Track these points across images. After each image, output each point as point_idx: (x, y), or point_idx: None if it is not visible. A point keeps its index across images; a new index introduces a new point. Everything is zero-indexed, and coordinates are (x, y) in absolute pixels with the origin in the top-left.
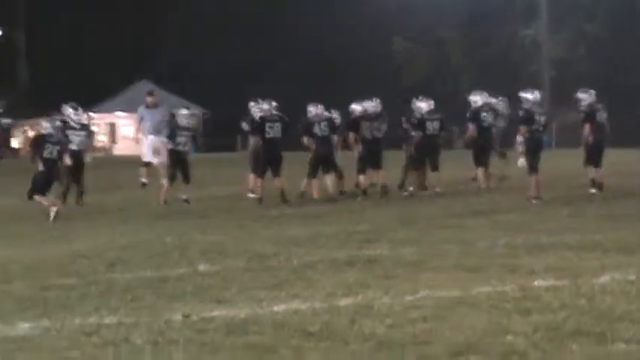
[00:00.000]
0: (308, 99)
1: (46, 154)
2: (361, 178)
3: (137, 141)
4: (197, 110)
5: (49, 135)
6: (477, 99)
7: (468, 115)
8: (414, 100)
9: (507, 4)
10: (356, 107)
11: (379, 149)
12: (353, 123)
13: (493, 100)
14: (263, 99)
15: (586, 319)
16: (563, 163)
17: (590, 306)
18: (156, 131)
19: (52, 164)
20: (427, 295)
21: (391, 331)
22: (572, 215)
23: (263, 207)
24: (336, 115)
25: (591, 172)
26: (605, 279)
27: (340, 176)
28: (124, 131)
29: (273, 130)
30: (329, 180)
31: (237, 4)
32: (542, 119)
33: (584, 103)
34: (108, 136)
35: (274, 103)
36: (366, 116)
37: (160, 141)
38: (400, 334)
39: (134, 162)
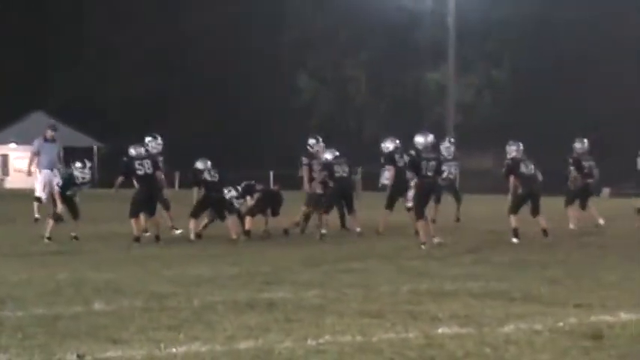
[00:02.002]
0: (210, 135)
1: None
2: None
3: (29, 174)
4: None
5: None
6: (388, 145)
7: (382, 159)
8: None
9: (415, 47)
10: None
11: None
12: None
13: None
14: (155, 137)
15: None
16: (467, 208)
17: (495, 355)
18: (51, 165)
19: None
20: (330, 340)
21: None
22: (477, 262)
23: (160, 245)
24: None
25: (514, 220)
26: (510, 328)
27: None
28: (18, 164)
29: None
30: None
31: (135, 36)
32: (432, 164)
33: (509, 156)
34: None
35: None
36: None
37: (52, 175)
38: None
39: (27, 195)
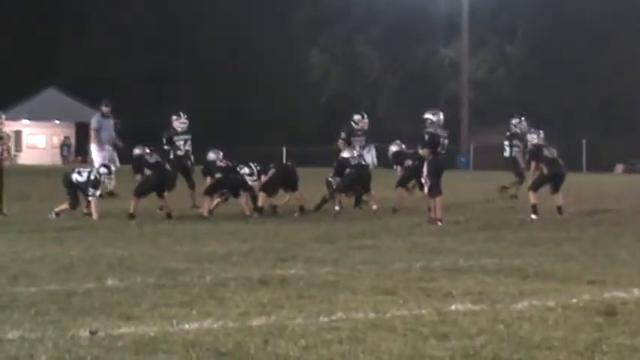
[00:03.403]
0: (218, 112)
1: None
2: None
3: (101, 149)
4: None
5: None
6: (393, 148)
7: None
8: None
9: (428, 23)
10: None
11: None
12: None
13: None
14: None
15: (504, 346)
16: (481, 185)
17: (509, 332)
18: (112, 141)
19: None
20: (342, 317)
21: (305, 352)
22: (490, 239)
23: (173, 222)
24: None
25: (533, 197)
26: (523, 305)
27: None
28: (31, 140)
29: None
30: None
31: (147, 13)
32: (446, 142)
33: (530, 143)
34: (13, 145)
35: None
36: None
37: (112, 152)
38: (314, 356)
39: (40, 172)
